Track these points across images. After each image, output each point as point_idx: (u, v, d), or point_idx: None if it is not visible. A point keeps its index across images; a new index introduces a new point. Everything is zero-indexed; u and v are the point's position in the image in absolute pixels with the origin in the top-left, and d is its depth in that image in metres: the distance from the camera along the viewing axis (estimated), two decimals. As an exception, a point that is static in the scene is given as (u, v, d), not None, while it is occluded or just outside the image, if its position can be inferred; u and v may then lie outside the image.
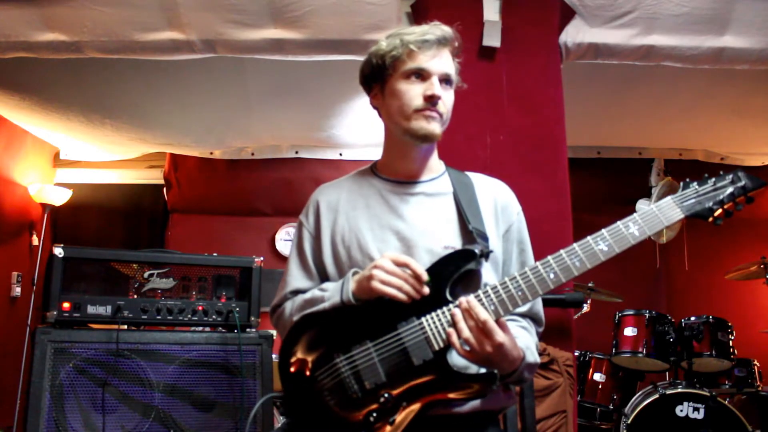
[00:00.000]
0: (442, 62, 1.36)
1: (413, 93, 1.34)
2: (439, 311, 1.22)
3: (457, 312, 1.19)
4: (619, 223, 1.21)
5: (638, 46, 2.79)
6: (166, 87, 3.84)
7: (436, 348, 1.20)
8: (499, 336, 1.16)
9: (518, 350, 1.22)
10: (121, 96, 3.97)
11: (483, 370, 1.23)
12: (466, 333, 1.17)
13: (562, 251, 1.21)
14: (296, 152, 4.90)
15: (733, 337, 3.47)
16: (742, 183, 1.24)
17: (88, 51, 2.90)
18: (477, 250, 1.25)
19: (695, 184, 1.25)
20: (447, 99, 1.37)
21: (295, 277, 1.46)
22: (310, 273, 1.45)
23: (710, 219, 1.23)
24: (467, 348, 1.17)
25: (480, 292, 1.21)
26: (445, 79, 1.37)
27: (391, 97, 1.38)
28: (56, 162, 5.13)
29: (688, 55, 2.83)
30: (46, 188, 4.75)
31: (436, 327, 1.21)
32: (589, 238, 1.21)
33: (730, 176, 1.25)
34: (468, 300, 1.19)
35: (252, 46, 2.87)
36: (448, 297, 1.23)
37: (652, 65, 2.96)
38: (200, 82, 3.75)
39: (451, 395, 1.19)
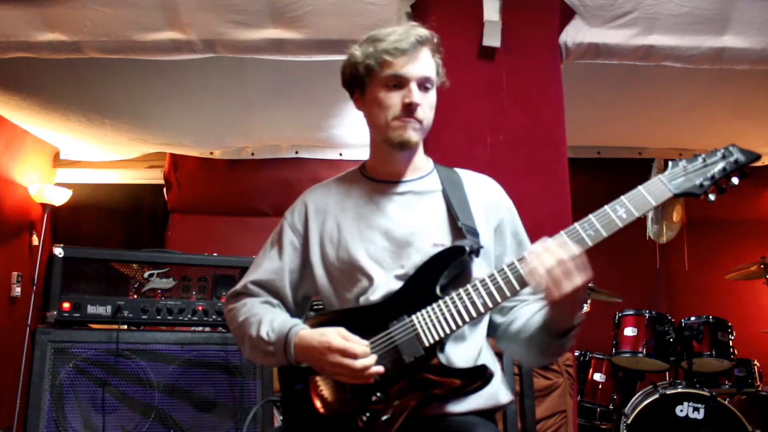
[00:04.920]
0: (419, 65, 1.32)
1: (391, 101, 1.32)
2: (429, 308, 1.23)
3: (539, 246, 1.13)
4: (606, 207, 1.18)
5: (638, 46, 2.79)
6: (166, 87, 3.83)
7: (427, 344, 1.21)
8: (589, 272, 1.10)
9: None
10: (121, 96, 3.97)
11: (473, 365, 1.22)
12: (555, 269, 1.09)
13: (547, 239, 1.17)
14: (296, 152, 4.90)
15: (733, 337, 3.46)
16: (734, 157, 1.19)
17: (88, 51, 2.90)
18: (467, 247, 1.25)
19: (684, 161, 1.21)
20: (426, 104, 1.34)
21: (263, 269, 1.43)
22: (278, 269, 1.42)
23: (702, 196, 1.18)
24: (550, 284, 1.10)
25: (471, 285, 1.22)
26: (424, 82, 1.33)
27: (370, 105, 1.37)
28: (56, 162, 5.13)
29: (688, 55, 2.83)
30: (46, 188, 4.74)
31: (426, 323, 1.22)
32: (576, 224, 1.18)
33: (721, 151, 1.20)
34: (547, 240, 1.14)
35: (252, 46, 2.87)
36: (438, 293, 1.24)
37: (652, 65, 2.97)
38: (200, 82, 3.75)
39: (443, 391, 1.19)
